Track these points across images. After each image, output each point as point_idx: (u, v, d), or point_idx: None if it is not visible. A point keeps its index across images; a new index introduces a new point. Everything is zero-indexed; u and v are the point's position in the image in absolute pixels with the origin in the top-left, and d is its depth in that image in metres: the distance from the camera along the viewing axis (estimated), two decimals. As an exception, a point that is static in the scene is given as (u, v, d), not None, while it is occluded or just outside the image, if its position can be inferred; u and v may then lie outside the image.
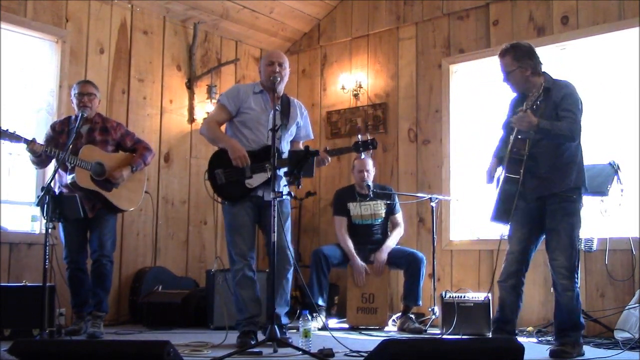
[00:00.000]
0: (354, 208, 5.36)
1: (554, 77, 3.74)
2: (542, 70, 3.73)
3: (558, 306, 3.65)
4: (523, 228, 3.73)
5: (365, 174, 5.30)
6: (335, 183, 6.32)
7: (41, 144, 4.15)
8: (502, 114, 3.93)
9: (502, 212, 3.67)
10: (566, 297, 3.56)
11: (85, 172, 4.24)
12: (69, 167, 4.21)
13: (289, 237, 4.07)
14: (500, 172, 3.74)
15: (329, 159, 4.01)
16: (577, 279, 3.59)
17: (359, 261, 5.15)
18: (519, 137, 3.60)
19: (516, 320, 3.80)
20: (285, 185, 3.94)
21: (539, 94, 3.52)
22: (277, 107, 3.84)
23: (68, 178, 4.23)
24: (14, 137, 4.02)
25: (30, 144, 4.07)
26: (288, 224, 4.11)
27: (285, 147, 4.08)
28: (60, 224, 4.32)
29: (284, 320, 4.04)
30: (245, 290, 3.96)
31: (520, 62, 3.67)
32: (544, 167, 3.62)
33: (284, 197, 3.77)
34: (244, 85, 4.35)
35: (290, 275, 4.09)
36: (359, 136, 4.01)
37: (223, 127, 4.17)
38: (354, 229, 5.32)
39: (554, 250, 3.59)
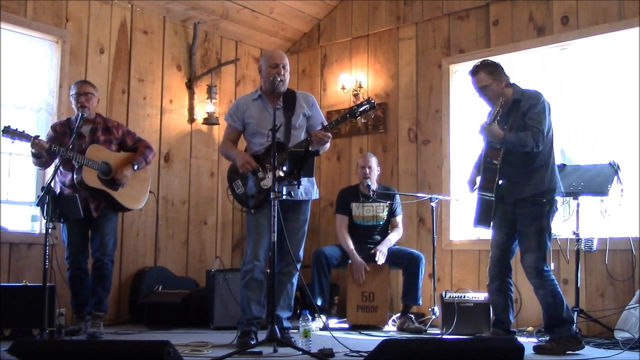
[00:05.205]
0: (356, 208, 5.35)
1: (523, 87, 3.90)
2: (511, 82, 3.90)
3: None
4: (501, 232, 3.92)
5: (367, 170, 5.29)
6: (335, 183, 6.32)
7: (46, 141, 4.16)
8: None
9: (482, 218, 3.89)
10: (540, 296, 3.74)
11: (92, 172, 4.27)
12: (76, 167, 4.23)
13: (302, 243, 4.12)
14: (479, 181, 3.93)
15: (329, 135, 3.96)
16: (549, 277, 3.71)
17: (358, 258, 5.15)
18: (494, 146, 3.78)
19: (510, 318, 3.95)
20: (286, 186, 3.91)
21: (503, 104, 3.69)
22: (279, 105, 3.87)
23: (75, 178, 4.24)
24: (23, 136, 4.03)
25: (35, 141, 4.07)
26: (304, 230, 4.13)
27: (297, 140, 4.02)
28: (62, 224, 4.33)
29: (286, 324, 4.04)
30: (252, 292, 3.96)
31: (494, 76, 3.83)
32: (518, 172, 3.77)
33: (284, 197, 3.75)
34: (241, 98, 4.34)
35: (295, 280, 4.10)
36: (354, 102, 3.99)
37: (243, 145, 4.25)
38: (355, 229, 5.32)
39: (523, 253, 3.78)
